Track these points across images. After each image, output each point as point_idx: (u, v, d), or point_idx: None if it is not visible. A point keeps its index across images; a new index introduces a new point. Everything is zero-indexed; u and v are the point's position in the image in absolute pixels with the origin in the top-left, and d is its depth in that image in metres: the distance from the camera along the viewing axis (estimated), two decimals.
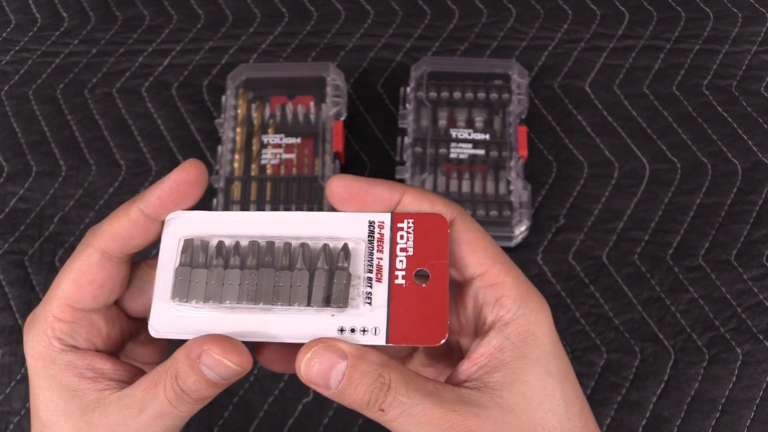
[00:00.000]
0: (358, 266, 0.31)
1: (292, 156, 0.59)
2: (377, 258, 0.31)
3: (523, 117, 0.62)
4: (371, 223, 0.32)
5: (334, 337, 0.30)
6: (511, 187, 0.58)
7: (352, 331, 0.30)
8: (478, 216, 0.57)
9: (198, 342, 0.31)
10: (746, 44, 0.67)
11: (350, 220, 0.32)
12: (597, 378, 0.54)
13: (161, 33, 0.69)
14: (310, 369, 0.29)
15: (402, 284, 0.31)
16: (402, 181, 0.58)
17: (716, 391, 0.53)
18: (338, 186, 0.32)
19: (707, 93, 0.65)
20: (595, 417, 0.53)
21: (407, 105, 0.61)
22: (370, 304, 0.31)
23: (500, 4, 0.70)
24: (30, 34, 0.70)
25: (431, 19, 0.69)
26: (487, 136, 0.60)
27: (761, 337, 0.55)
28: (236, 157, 0.59)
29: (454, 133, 0.60)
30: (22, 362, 0.56)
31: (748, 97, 0.64)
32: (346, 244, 0.31)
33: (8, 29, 0.70)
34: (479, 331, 0.32)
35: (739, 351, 0.54)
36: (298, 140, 0.60)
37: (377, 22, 0.69)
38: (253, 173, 0.59)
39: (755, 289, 0.57)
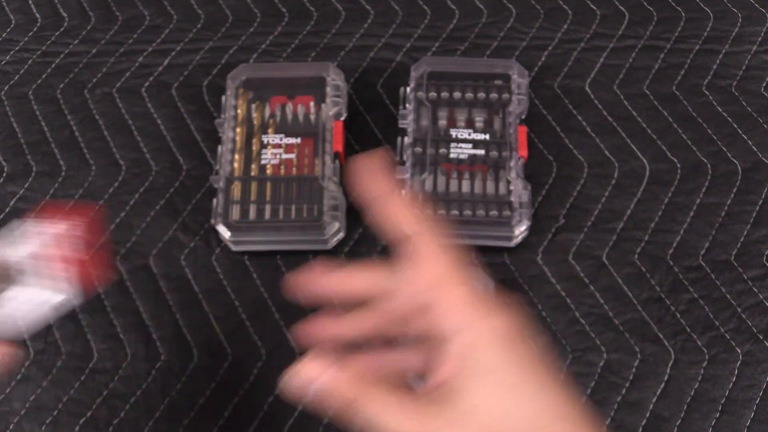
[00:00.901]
0: None
1: (292, 156, 0.59)
2: None
3: (523, 117, 0.62)
4: None
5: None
6: (511, 187, 0.58)
7: None
8: (478, 216, 0.57)
9: None
10: (746, 44, 0.67)
11: None
12: (597, 378, 0.54)
13: (161, 33, 0.69)
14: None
15: None
16: (401, 181, 0.58)
17: (716, 391, 0.53)
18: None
19: (707, 93, 0.65)
20: (595, 417, 0.53)
21: (407, 105, 0.61)
22: None
23: (500, 4, 0.70)
24: (30, 34, 0.70)
25: (431, 19, 0.69)
26: (487, 136, 0.60)
27: (761, 337, 0.55)
28: (236, 157, 0.59)
29: (454, 133, 0.60)
30: (22, 362, 0.56)
31: (748, 97, 0.64)
32: None
33: (8, 29, 0.70)
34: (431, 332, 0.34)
35: (739, 351, 0.54)
36: (298, 140, 0.60)
37: (377, 22, 0.69)
38: (253, 173, 0.59)
39: (755, 289, 0.57)
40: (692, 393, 0.53)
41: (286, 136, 0.60)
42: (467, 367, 0.30)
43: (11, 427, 0.54)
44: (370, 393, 0.31)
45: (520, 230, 0.57)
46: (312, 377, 0.31)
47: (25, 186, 0.62)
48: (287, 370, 0.31)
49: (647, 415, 0.53)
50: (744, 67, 0.66)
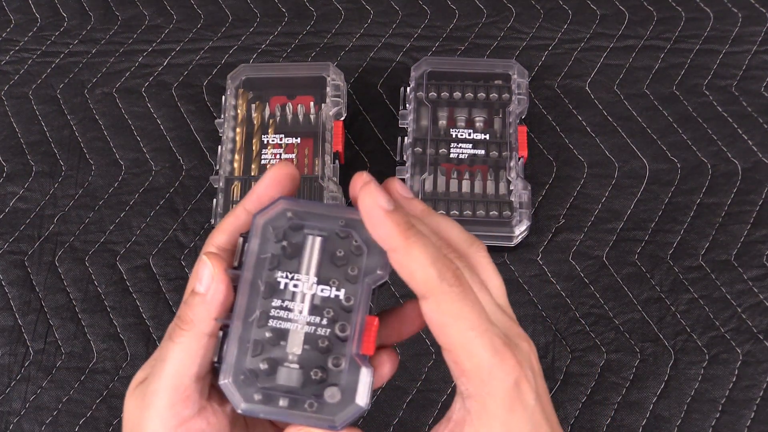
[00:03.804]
0: None
1: (292, 156, 0.59)
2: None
3: (523, 117, 0.62)
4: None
5: None
6: (511, 187, 0.57)
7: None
8: (478, 216, 0.57)
9: None
10: (746, 44, 0.67)
11: None
12: (597, 378, 0.54)
13: (161, 33, 0.69)
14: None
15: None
16: (401, 181, 0.58)
17: (716, 391, 0.53)
18: (364, 198, 0.32)
19: (707, 93, 0.65)
20: (595, 417, 0.53)
21: (407, 105, 0.61)
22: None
23: (500, 4, 0.70)
24: (30, 34, 0.70)
25: (431, 19, 0.69)
26: (487, 136, 0.60)
27: (761, 337, 0.55)
28: (236, 157, 0.59)
29: (454, 133, 0.60)
30: (22, 362, 0.56)
31: (748, 97, 0.64)
32: None
33: (8, 29, 0.70)
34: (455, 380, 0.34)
35: (739, 351, 0.54)
36: (298, 140, 0.60)
37: (377, 22, 0.69)
38: (253, 173, 0.59)
39: (755, 289, 0.56)
40: (692, 393, 0.53)
41: (286, 136, 0.60)
42: (479, 427, 0.31)
43: (11, 427, 0.54)
44: None
45: (520, 230, 0.57)
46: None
47: (25, 186, 0.62)
48: None
49: (647, 415, 0.53)
50: (744, 67, 0.66)
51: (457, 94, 0.61)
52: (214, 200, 0.58)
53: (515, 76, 0.62)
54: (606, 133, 0.63)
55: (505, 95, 0.61)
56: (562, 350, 0.55)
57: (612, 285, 0.57)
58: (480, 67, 0.62)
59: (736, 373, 0.54)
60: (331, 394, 0.31)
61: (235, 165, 0.59)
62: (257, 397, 0.31)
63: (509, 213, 0.57)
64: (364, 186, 0.31)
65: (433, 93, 0.61)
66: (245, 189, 0.58)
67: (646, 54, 0.67)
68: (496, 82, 0.62)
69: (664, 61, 0.66)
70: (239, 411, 0.31)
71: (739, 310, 0.56)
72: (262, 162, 0.59)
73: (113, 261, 0.59)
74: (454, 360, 0.31)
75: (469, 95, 0.61)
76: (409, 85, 0.62)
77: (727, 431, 0.52)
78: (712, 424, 0.52)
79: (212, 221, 0.57)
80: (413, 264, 0.31)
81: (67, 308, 0.57)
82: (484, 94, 0.61)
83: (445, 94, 0.61)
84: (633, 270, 0.57)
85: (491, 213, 0.57)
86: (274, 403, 0.31)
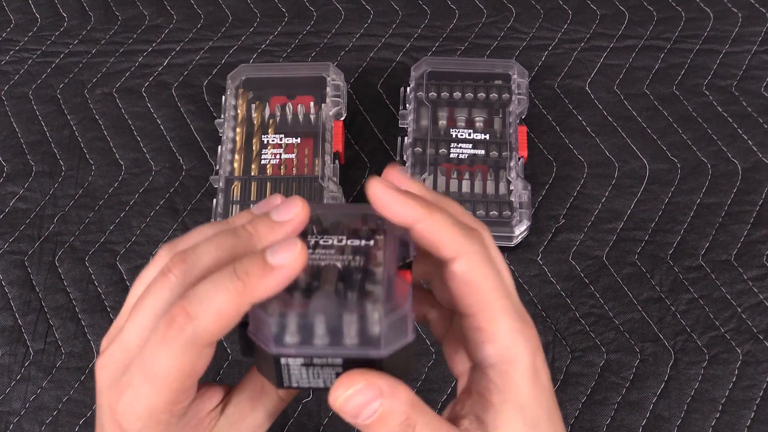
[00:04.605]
0: None
1: (292, 156, 0.59)
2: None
3: (523, 117, 0.62)
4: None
5: (371, 372, 0.30)
6: (511, 187, 0.57)
7: None
8: (478, 216, 0.57)
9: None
10: (746, 44, 0.67)
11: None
12: (597, 378, 0.54)
13: (161, 33, 0.69)
14: (347, 403, 0.30)
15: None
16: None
17: (716, 391, 0.53)
18: (374, 189, 0.32)
19: (707, 93, 0.65)
20: (595, 417, 0.53)
21: (407, 105, 0.61)
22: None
23: (500, 4, 0.70)
24: (30, 34, 0.70)
25: (431, 19, 0.69)
26: (487, 136, 0.60)
27: (761, 337, 0.55)
28: (236, 157, 0.59)
29: (454, 133, 0.60)
30: (22, 362, 0.56)
31: (748, 97, 0.64)
32: None
33: (8, 29, 0.70)
34: (472, 355, 0.33)
35: (739, 351, 0.54)
36: (298, 140, 0.60)
37: (377, 22, 0.69)
38: (253, 173, 0.59)
39: (755, 289, 0.56)
40: (692, 393, 0.53)
41: (286, 136, 0.60)
42: (504, 400, 0.32)
43: (11, 427, 0.54)
44: (425, 415, 0.31)
45: (520, 230, 0.57)
46: (364, 402, 0.30)
47: (25, 186, 0.62)
48: (337, 393, 0.30)
49: (647, 414, 0.53)
50: (744, 67, 0.66)
51: (457, 94, 0.61)
52: (214, 200, 0.58)
53: (515, 76, 0.62)
54: (606, 133, 0.63)
55: (505, 95, 0.61)
56: (562, 350, 0.55)
57: (612, 285, 0.57)
58: (480, 67, 0.62)
59: (736, 373, 0.54)
60: (373, 320, 0.29)
61: (235, 165, 0.59)
62: (291, 339, 0.29)
63: (509, 213, 0.57)
64: (370, 180, 0.32)
65: (433, 93, 0.61)
66: (245, 189, 0.58)
67: (646, 54, 0.67)
68: (496, 82, 0.62)
69: (664, 61, 0.66)
70: (273, 352, 0.29)
71: (739, 310, 0.56)
72: (262, 162, 0.59)
73: (113, 261, 0.59)
74: (478, 325, 0.32)
75: (469, 95, 0.61)
76: (409, 85, 0.62)
77: (727, 431, 0.52)
78: (712, 424, 0.52)
79: (212, 221, 0.57)
80: (440, 228, 0.31)
81: (67, 308, 0.57)
82: (484, 94, 0.61)
83: (445, 94, 0.61)
84: (633, 270, 0.57)
85: (491, 213, 0.57)
86: (309, 343, 0.29)
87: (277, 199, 0.33)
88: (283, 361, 0.30)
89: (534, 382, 0.32)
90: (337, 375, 0.30)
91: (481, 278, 0.32)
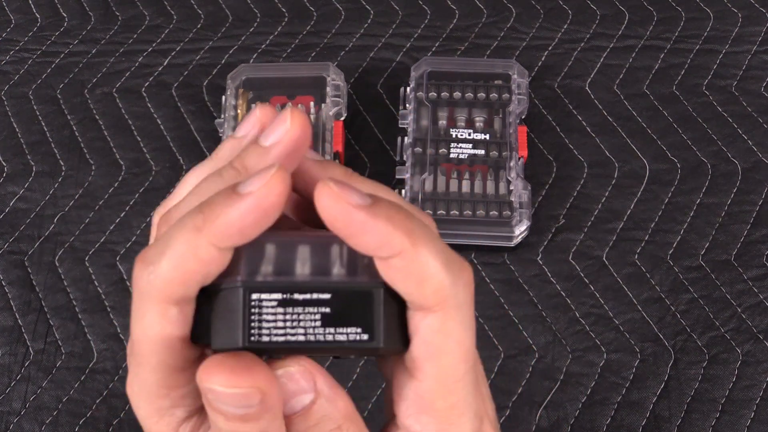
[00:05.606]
0: None
1: None
2: None
3: (523, 117, 0.62)
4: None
5: (315, 368, 0.25)
6: (511, 187, 0.58)
7: None
8: (478, 216, 0.57)
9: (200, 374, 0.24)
10: (746, 44, 0.67)
11: None
12: (597, 378, 0.54)
13: (161, 33, 0.69)
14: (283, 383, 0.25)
15: None
16: (401, 181, 0.58)
17: (716, 391, 0.53)
18: (328, 205, 0.24)
19: (707, 93, 0.65)
20: (595, 417, 0.53)
21: (407, 105, 0.61)
22: None
23: (500, 4, 0.70)
24: (30, 34, 0.70)
25: (431, 19, 0.69)
26: (487, 136, 0.60)
27: (761, 337, 0.55)
28: None
29: (454, 133, 0.60)
30: (22, 362, 0.56)
31: (748, 97, 0.64)
32: None
33: (8, 29, 0.70)
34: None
35: (739, 351, 0.54)
36: None
37: (377, 22, 0.69)
38: None
39: (755, 289, 0.56)
40: (692, 393, 0.53)
41: None
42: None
43: (11, 427, 0.54)
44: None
45: (520, 230, 0.57)
46: (300, 391, 0.25)
47: (25, 186, 0.62)
48: None
49: (647, 415, 0.53)
50: (744, 67, 0.66)
51: (457, 94, 0.61)
52: None
53: (515, 76, 0.62)
54: (606, 133, 0.63)
55: (505, 95, 0.61)
56: (562, 350, 0.55)
57: (612, 285, 0.57)
58: (480, 67, 0.62)
59: (736, 373, 0.54)
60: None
61: None
62: (267, 268, 0.24)
63: (509, 213, 0.57)
64: (319, 190, 0.23)
65: (433, 93, 0.61)
66: None
67: (646, 54, 0.67)
68: (496, 82, 0.62)
69: (664, 61, 0.66)
70: (244, 280, 0.24)
71: (739, 310, 0.56)
72: None
73: (113, 261, 0.59)
74: (425, 396, 0.26)
75: (469, 95, 0.61)
76: (409, 85, 0.62)
77: (727, 431, 0.52)
78: (712, 424, 0.52)
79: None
80: (425, 265, 0.24)
81: (67, 308, 0.57)
82: (484, 94, 0.61)
83: (445, 94, 0.61)
84: (633, 270, 0.57)
85: (491, 213, 0.57)
86: (290, 273, 0.24)
87: (266, 111, 0.27)
88: (254, 298, 0.24)
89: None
90: (323, 322, 0.24)
91: (452, 345, 0.25)
